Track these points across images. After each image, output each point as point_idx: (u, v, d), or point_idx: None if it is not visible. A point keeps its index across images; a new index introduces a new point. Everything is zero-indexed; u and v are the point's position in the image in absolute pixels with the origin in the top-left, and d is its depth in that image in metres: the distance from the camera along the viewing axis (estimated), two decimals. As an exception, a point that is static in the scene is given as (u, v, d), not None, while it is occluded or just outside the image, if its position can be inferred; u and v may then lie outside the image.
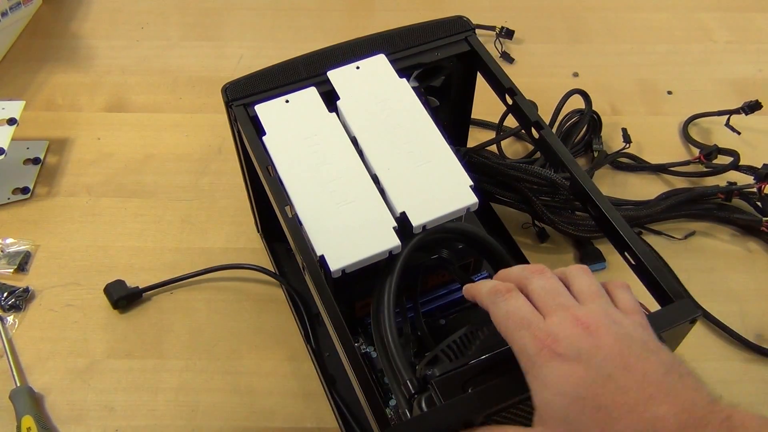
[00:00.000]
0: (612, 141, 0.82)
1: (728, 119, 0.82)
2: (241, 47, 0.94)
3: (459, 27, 0.61)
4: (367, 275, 0.49)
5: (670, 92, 0.89)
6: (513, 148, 0.82)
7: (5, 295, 0.68)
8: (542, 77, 0.91)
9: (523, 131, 0.75)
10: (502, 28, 0.94)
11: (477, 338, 0.45)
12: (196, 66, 0.92)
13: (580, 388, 0.34)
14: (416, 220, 0.48)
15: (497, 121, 0.74)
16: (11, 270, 0.70)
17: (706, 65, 0.93)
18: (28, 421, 0.59)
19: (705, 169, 0.78)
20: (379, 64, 0.58)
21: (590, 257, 0.71)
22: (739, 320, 0.67)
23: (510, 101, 0.58)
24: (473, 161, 0.68)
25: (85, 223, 0.75)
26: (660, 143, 0.82)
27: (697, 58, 0.94)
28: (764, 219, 0.72)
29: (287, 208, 0.50)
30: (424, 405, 0.42)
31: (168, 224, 0.75)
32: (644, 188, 0.77)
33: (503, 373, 0.40)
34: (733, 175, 0.76)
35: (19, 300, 0.68)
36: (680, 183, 0.78)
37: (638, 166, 0.79)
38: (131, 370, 0.64)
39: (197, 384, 0.63)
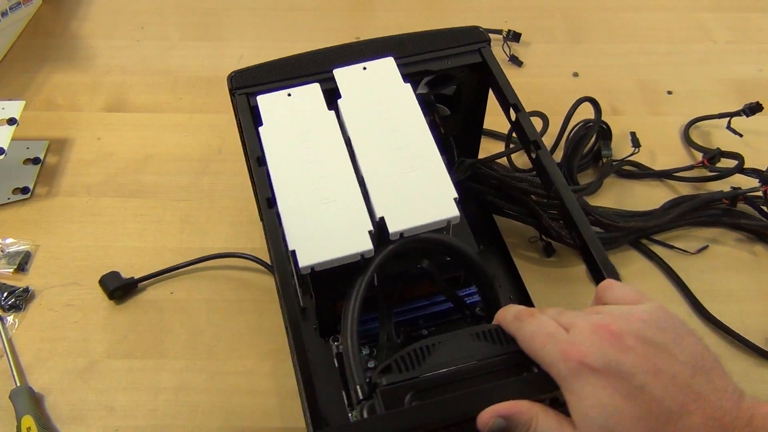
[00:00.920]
0: (619, 144, 0.80)
1: (729, 122, 0.81)
2: (241, 47, 0.94)
3: (473, 37, 0.61)
4: (350, 275, 0.49)
5: (670, 92, 0.89)
6: (522, 160, 0.80)
7: (5, 295, 0.68)
8: (543, 77, 0.91)
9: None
10: (510, 31, 0.93)
11: (434, 352, 0.44)
12: (196, 66, 0.92)
13: (616, 400, 0.35)
14: (393, 226, 0.48)
15: (509, 133, 0.75)
16: (11, 270, 0.70)
17: (706, 65, 0.93)
18: (28, 421, 0.59)
19: (709, 174, 0.77)
20: (386, 67, 0.58)
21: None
22: (740, 321, 0.67)
23: (513, 117, 0.57)
24: (480, 172, 0.68)
25: (85, 223, 0.75)
26: (661, 145, 0.82)
27: (697, 58, 0.94)
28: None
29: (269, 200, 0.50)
30: (365, 412, 0.42)
31: (168, 224, 0.75)
32: (650, 196, 0.76)
33: (455, 390, 0.41)
34: (737, 178, 0.76)
35: (19, 300, 0.68)
36: (685, 188, 0.78)
37: (643, 173, 0.78)
38: (131, 370, 0.64)
39: (197, 384, 0.63)
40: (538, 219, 0.69)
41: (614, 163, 0.78)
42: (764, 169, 0.73)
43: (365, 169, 0.51)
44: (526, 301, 0.64)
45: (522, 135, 0.57)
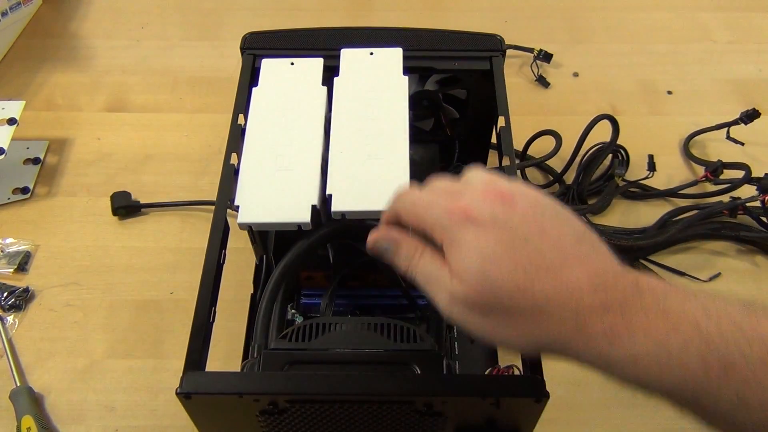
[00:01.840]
0: (634, 167, 0.78)
1: (728, 132, 0.80)
2: (241, 47, 0.94)
3: (489, 44, 0.61)
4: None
5: (670, 92, 0.89)
6: (533, 175, 0.80)
7: (5, 295, 0.68)
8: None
9: (545, 162, 0.75)
10: (541, 50, 0.90)
11: (330, 332, 0.46)
12: (196, 66, 0.92)
13: (498, 248, 0.34)
14: (337, 205, 0.49)
15: (521, 149, 0.74)
16: (11, 270, 0.70)
17: (706, 65, 0.93)
18: (28, 421, 0.59)
19: (715, 188, 0.76)
20: (392, 56, 0.58)
21: None
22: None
23: (498, 128, 0.58)
24: None
25: (85, 223, 0.75)
26: (662, 149, 0.82)
27: (697, 58, 0.94)
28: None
29: (233, 155, 0.53)
30: (245, 369, 0.45)
31: (168, 224, 0.75)
32: (655, 215, 0.74)
33: (331, 371, 0.43)
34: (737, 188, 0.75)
35: (19, 300, 0.68)
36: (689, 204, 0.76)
37: (647, 194, 0.77)
38: (131, 370, 0.64)
39: (197, 384, 0.63)
40: None
41: (622, 184, 0.76)
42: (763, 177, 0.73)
43: (333, 147, 0.52)
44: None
45: (499, 146, 0.57)
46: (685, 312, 0.33)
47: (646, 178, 0.77)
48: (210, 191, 0.77)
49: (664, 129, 0.84)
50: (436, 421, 0.45)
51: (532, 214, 0.35)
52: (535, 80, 0.90)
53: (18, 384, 0.62)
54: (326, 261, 0.57)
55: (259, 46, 0.60)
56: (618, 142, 0.75)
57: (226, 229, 0.52)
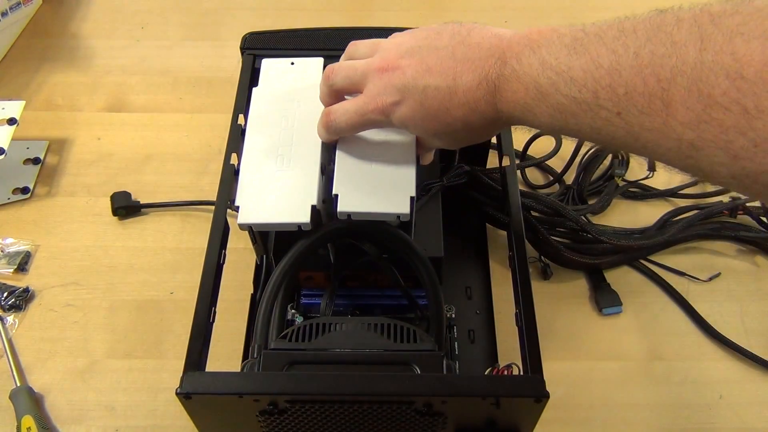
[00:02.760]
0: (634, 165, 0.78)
1: None
2: (241, 47, 0.94)
3: None
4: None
5: (670, 92, 0.89)
6: (533, 175, 0.80)
7: (5, 295, 0.68)
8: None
9: (545, 162, 0.75)
10: None
11: (330, 332, 0.46)
12: (196, 66, 0.92)
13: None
14: (343, 206, 0.49)
15: (521, 149, 0.74)
16: (11, 270, 0.70)
17: (706, 65, 0.92)
18: (28, 421, 0.59)
19: (715, 188, 0.75)
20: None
21: (605, 299, 0.68)
22: (744, 336, 0.66)
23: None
24: (482, 183, 0.67)
25: (85, 223, 0.75)
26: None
27: (697, 58, 0.93)
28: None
29: (233, 155, 0.53)
30: (245, 368, 0.45)
31: (168, 224, 0.75)
32: (655, 215, 0.74)
33: (330, 371, 0.43)
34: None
35: (19, 300, 0.68)
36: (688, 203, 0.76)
37: (647, 194, 0.77)
38: (131, 370, 0.64)
39: (197, 384, 0.63)
40: (535, 232, 0.69)
41: (622, 184, 0.76)
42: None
43: (340, 148, 0.52)
44: (490, 315, 0.65)
45: (499, 146, 0.58)
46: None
47: (646, 178, 0.77)
48: (210, 191, 0.77)
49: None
50: (436, 421, 0.45)
51: (414, 62, 0.45)
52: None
53: (18, 384, 0.62)
54: (326, 261, 0.57)
55: (259, 46, 0.61)
56: (618, 142, 0.74)
57: (226, 229, 0.52)
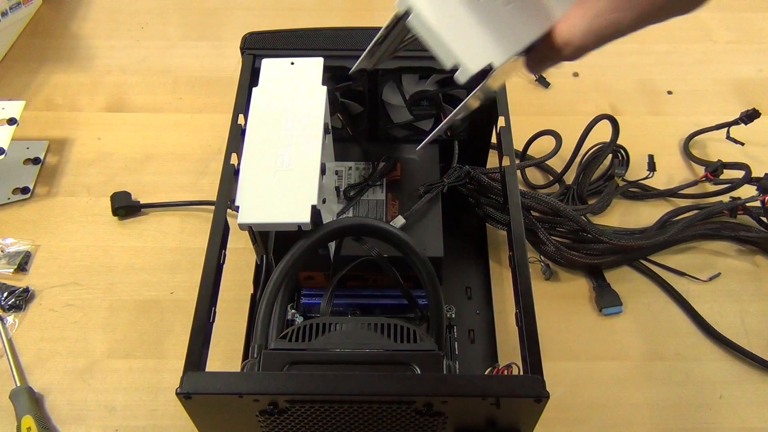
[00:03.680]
0: (635, 165, 0.78)
1: (728, 131, 0.80)
2: (241, 47, 0.94)
3: None
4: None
5: (670, 92, 0.89)
6: (534, 175, 0.80)
7: (5, 295, 0.68)
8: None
9: (545, 162, 0.75)
10: None
11: (330, 332, 0.46)
12: (196, 66, 0.92)
13: None
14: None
15: (521, 149, 0.74)
16: (11, 270, 0.70)
17: (706, 65, 0.93)
18: (28, 421, 0.59)
19: (714, 188, 0.76)
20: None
21: (605, 299, 0.68)
22: (744, 336, 0.66)
23: (498, 128, 0.58)
24: (482, 182, 0.67)
25: (85, 223, 0.75)
26: (662, 148, 0.82)
27: (697, 58, 0.94)
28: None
29: (233, 155, 0.53)
30: (245, 368, 0.45)
31: (168, 224, 0.75)
32: (656, 215, 0.74)
33: (331, 370, 0.43)
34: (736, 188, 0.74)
35: (19, 300, 0.68)
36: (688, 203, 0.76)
37: (647, 194, 0.77)
38: (131, 370, 0.64)
39: (197, 384, 0.63)
40: (535, 232, 0.69)
41: (622, 184, 0.76)
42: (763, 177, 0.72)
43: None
44: (490, 315, 0.66)
45: (499, 146, 0.58)
46: None
47: (646, 178, 0.77)
48: (210, 191, 0.77)
49: (664, 129, 0.84)
50: (436, 421, 0.45)
51: None
52: (535, 80, 0.90)
53: (18, 384, 0.62)
54: (326, 261, 0.57)
55: (259, 46, 0.61)
56: (618, 142, 0.74)
57: (226, 229, 0.52)
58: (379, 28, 0.62)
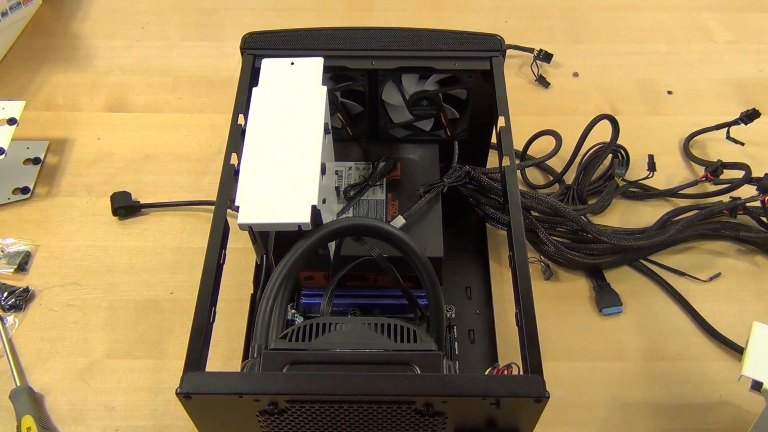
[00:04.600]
0: (635, 165, 0.78)
1: (728, 131, 0.80)
2: (241, 47, 0.94)
3: (489, 45, 0.62)
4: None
5: (670, 92, 0.89)
6: (533, 175, 0.80)
7: (5, 295, 0.68)
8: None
9: (545, 162, 0.75)
10: (540, 50, 0.90)
11: (331, 331, 0.46)
12: (196, 66, 0.92)
13: None
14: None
15: (521, 149, 0.74)
16: (11, 270, 0.70)
17: (706, 65, 0.93)
18: (28, 421, 0.59)
19: (715, 188, 0.76)
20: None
21: (605, 299, 0.68)
22: (744, 336, 0.66)
23: (498, 128, 0.58)
24: (482, 182, 0.67)
25: (85, 223, 0.75)
26: (662, 148, 0.82)
27: (697, 58, 0.94)
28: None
29: (233, 155, 0.53)
30: (245, 368, 0.45)
31: (168, 224, 0.75)
32: (655, 215, 0.74)
33: (331, 370, 0.43)
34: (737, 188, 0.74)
35: (19, 300, 0.68)
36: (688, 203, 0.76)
37: (647, 194, 0.77)
38: (131, 370, 0.64)
39: (197, 384, 0.63)
40: (535, 232, 0.69)
41: (622, 184, 0.76)
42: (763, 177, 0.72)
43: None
44: (490, 315, 0.66)
45: (499, 146, 0.58)
46: None
47: (646, 178, 0.77)
48: (210, 191, 0.77)
49: (664, 129, 0.84)
50: (436, 421, 0.45)
51: None
52: (535, 80, 0.90)
53: (18, 384, 0.62)
54: (326, 261, 0.57)
55: (259, 46, 0.61)
56: (618, 142, 0.74)
57: (226, 229, 0.52)
58: (379, 28, 0.62)
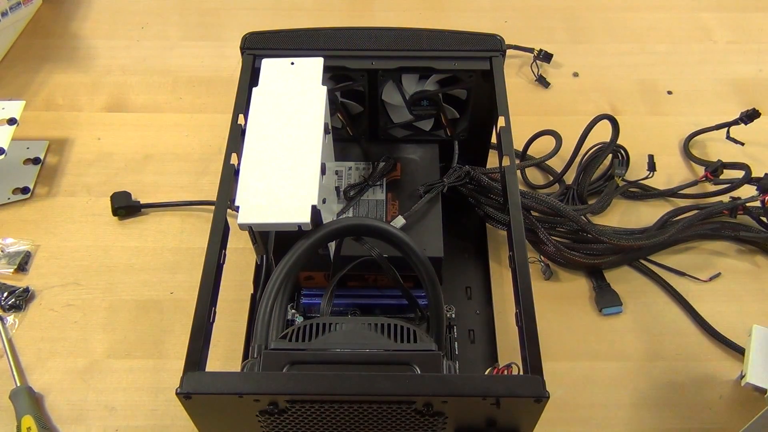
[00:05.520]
0: (635, 165, 0.78)
1: (728, 131, 0.80)
2: (241, 47, 0.94)
3: (489, 45, 0.62)
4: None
5: (670, 92, 0.89)
6: (533, 175, 0.80)
7: (5, 295, 0.68)
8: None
9: (545, 162, 0.75)
10: (540, 50, 0.90)
11: (330, 331, 0.46)
12: (196, 66, 0.92)
13: None
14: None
15: (521, 149, 0.74)
16: (11, 270, 0.70)
17: (706, 65, 0.93)
18: (28, 421, 0.59)
19: (715, 188, 0.76)
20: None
21: (606, 299, 0.68)
22: (740, 322, 0.67)
23: (498, 128, 0.58)
24: (482, 182, 0.67)
25: (85, 223, 0.75)
26: (662, 148, 0.82)
27: (697, 58, 0.94)
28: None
29: (233, 155, 0.53)
30: (245, 368, 0.45)
31: (168, 224, 0.75)
32: (655, 215, 0.74)
33: (331, 370, 0.43)
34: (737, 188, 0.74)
35: (19, 300, 0.68)
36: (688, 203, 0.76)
37: (647, 194, 0.77)
38: (131, 370, 0.64)
39: (197, 384, 0.63)
40: (535, 232, 0.69)
41: (622, 184, 0.76)
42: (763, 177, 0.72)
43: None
44: (490, 315, 0.66)
45: (499, 146, 0.58)
46: None
47: (646, 178, 0.77)
48: (210, 191, 0.77)
49: (664, 129, 0.84)
50: (436, 421, 0.45)
51: None
52: (535, 80, 0.90)
53: (18, 384, 0.62)
54: (326, 261, 0.57)
55: (259, 46, 0.61)
56: (618, 142, 0.74)
57: (226, 229, 0.52)
58: (379, 28, 0.62)
